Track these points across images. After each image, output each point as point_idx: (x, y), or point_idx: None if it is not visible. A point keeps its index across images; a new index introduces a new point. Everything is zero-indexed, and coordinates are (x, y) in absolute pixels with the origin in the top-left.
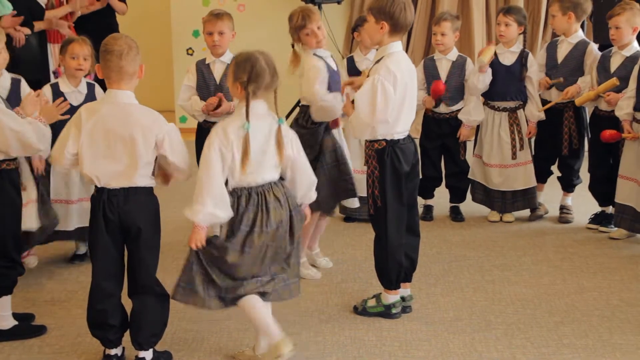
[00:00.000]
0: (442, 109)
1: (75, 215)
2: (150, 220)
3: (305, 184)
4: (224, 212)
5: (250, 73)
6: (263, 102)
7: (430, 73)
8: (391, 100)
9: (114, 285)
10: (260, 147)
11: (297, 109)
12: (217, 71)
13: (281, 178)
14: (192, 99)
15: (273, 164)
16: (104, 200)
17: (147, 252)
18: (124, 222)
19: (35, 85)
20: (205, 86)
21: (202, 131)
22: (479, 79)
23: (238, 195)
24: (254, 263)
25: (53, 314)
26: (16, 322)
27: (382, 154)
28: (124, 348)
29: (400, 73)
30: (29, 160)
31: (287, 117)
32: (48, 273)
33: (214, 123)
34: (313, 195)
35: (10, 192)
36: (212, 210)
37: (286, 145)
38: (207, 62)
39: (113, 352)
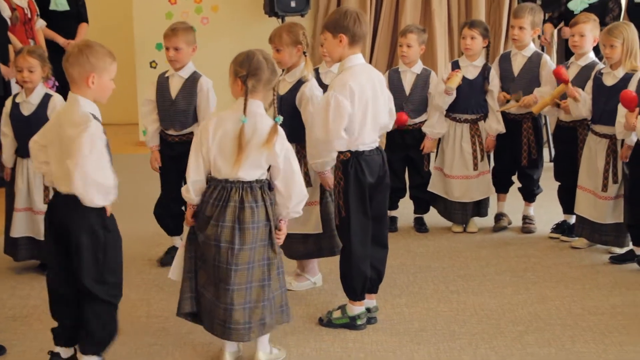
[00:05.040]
0: None
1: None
2: (89, 232)
3: (297, 198)
4: (192, 195)
5: (248, 67)
6: (261, 103)
7: (394, 85)
8: (346, 114)
9: (64, 288)
10: (234, 144)
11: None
12: (174, 85)
13: (270, 188)
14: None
15: (252, 164)
16: (51, 202)
17: (83, 262)
18: (61, 228)
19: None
20: (162, 100)
21: (165, 144)
22: (445, 101)
23: (209, 185)
24: (218, 266)
25: (14, 330)
26: None
27: (346, 165)
28: (74, 353)
29: (358, 86)
30: None
31: None
32: (10, 289)
33: (176, 136)
34: (300, 210)
35: None
36: (184, 192)
37: (278, 151)
38: (166, 75)
39: (57, 349)
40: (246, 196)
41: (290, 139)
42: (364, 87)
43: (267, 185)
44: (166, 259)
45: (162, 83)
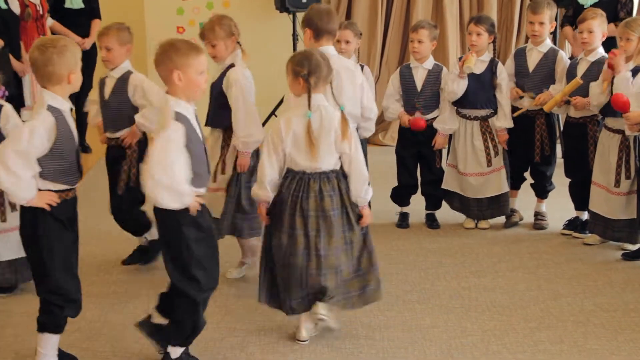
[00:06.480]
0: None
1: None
2: (169, 228)
3: (359, 181)
4: (262, 192)
5: (309, 66)
6: (322, 96)
7: (406, 81)
8: None
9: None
10: (306, 139)
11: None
12: (108, 86)
13: (344, 176)
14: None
15: (327, 153)
16: None
17: (166, 256)
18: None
19: (9, 101)
20: (100, 101)
21: (107, 147)
22: (459, 85)
23: (286, 177)
24: (309, 253)
25: (28, 326)
26: None
27: None
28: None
29: None
30: None
31: (269, 117)
32: (23, 284)
33: (112, 139)
34: (366, 194)
35: (54, 224)
36: (255, 188)
37: (349, 141)
38: (103, 77)
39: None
40: (324, 185)
41: (215, 124)
42: None
43: (342, 174)
44: (130, 259)
45: (100, 84)
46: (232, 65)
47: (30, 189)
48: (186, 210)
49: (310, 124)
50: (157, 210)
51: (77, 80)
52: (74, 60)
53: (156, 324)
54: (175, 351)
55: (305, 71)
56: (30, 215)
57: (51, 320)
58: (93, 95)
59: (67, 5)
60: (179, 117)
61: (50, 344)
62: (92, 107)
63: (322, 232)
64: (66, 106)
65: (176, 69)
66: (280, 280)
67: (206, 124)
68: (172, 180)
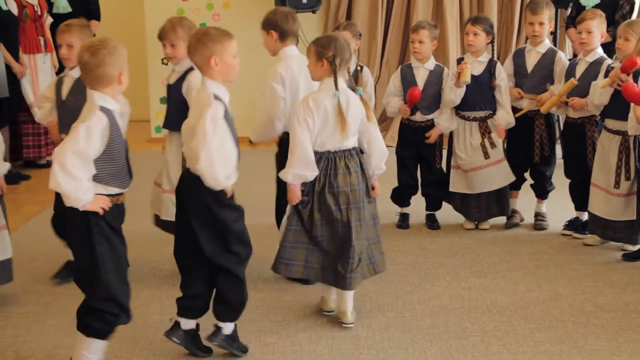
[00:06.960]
0: (418, 117)
1: None
2: (205, 210)
3: (379, 155)
4: (310, 172)
5: (335, 49)
6: (342, 79)
7: (407, 80)
8: (280, 98)
9: (188, 260)
10: (335, 117)
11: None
12: (66, 85)
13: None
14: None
15: (352, 132)
16: (181, 176)
17: (201, 237)
18: (183, 202)
19: (7, 101)
20: (56, 101)
21: None
22: (456, 94)
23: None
24: (335, 226)
25: (28, 327)
26: None
27: (280, 145)
28: (196, 328)
29: (288, 73)
30: None
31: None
32: (22, 285)
33: None
34: (383, 166)
35: (107, 229)
36: (298, 171)
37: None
38: (61, 75)
39: (179, 319)
40: (349, 162)
41: (175, 127)
42: (294, 73)
43: (360, 150)
44: (65, 273)
45: (58, 84)
46: (191, 69)
47: (89, 191)
48: (222, 193)
49: (340, 104)
50: (199, 193)
51: (126, 80)
52: (123, 59)
53: (187, 330)
54: (227, 327)
55: (331, 53)
56: (82, 222)
57: (104, 328)
58: (47, 92)
59: (55, 10)
60: (218, 98)
61: (96, 348)
62: (46, 104)
63: (351, 205)
64: (117, 107)
65: (213, 55)
66: (311, 248)
67: (164, 126)
68: (227, 157)
